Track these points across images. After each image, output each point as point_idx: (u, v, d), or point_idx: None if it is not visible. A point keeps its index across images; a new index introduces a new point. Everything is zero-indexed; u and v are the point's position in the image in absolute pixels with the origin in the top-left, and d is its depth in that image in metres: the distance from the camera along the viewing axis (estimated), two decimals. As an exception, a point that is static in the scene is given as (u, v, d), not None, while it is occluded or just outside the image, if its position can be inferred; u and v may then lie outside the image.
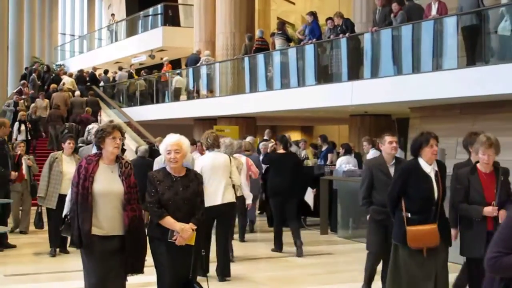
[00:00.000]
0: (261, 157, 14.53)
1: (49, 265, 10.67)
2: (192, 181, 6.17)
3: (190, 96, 26.15)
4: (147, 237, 6.04)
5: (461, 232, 7.02)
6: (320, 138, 19.03)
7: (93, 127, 20.56)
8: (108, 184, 5.81)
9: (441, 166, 6.81)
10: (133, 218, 5.77)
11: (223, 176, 9.50)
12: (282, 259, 11.45)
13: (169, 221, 5.96)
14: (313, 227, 14.93)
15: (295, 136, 29.43)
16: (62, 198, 10.56)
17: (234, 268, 9.88)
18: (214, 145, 9.73)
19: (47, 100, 24.73)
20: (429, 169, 6.65)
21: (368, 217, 8.38)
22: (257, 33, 22.76)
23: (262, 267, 11.00)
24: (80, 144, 18.52)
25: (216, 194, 9.26)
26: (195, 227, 6.04)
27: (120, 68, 33.71)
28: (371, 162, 8.68)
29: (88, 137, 20.04)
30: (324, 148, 18.32)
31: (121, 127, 6.04)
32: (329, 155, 17.64)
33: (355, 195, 14.36)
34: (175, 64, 33.57)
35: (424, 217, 6.58)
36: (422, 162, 6.67)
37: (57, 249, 11.24)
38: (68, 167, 10.90)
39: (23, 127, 21.12)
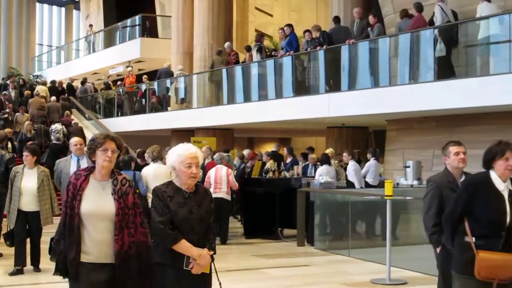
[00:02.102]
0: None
1: (22, 278, 10.41)
2: (204, 197, 5.28)
3: (153, 109, 26.41)
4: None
5: None
6: (286, 150, 19.13)
7: (56, 127, 21.83)
8: (97, 203, 4.97)
9: None
10: (131, 244, 4.92)
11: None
12: (258, 270, 11.41)
13: (185, 246, 5.04)
14: (290, 238, 14.91)
15: (272, 148, 29.45)
16: (21, 214, 10.24)
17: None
18: (158, 157, 11.67)
19: (27, 115, 24.53)
20: (503, 186, 5.45)
21: (438, 249, 6.50)
22: (226, 46, 22.88)
23: (237, 278, 10.94)
24: (55, 142, 20.20)
25: None
26: (212, 253, 5.21)
27: (84, 80, 33.58)
28: (438, 179, 6.68)
29: (53, 138, 21.14)
30: (289, 160, 18.37)
31: (117, 138, 5.18)
32: (295, 167, 17.66)
33: (331, 207, 14.53)
34: (153, 75, 33.54)
35: (491, 244, 5.37)
36: (494, 176, 5.47)
37: (23, 267, 10.53)
38: (28, 181, 10.31)
39: (9, 144, 20.11)
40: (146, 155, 12.58)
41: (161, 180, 11.56)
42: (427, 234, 6.58)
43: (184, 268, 5.07)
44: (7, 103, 26.49)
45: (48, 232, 10.52)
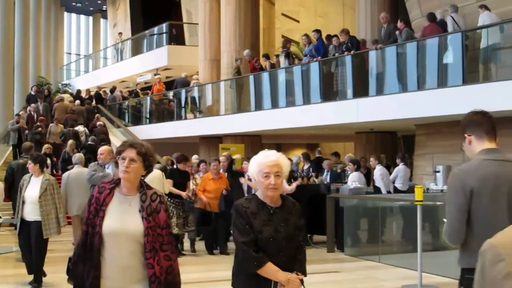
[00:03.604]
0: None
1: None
2: (291, 212, 4.55)
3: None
4: None
5: None
6: (302, 156, 18.83)
7: (78, 129, 24.40)
8: (121, 220, 4.29)
9: None
10: (169, 269, 4.28)
11: (157, 186, 12.12)
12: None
13: (270, 270, 4.35)
14: (320, 245, 14.89)
15: (299, 153, 29.46)
16: (24, 224, 9.89)
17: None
18: None
19: (61, 126, 24.75)
20: None
21: None
22: (245, 54, 23.05)
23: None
24: (90, 143, 21.84)
25: None
26: (302, 277, 4.47)
27: (113, 89, 33.89)
28: None
29: (89, 139, 22.93)
30: (306, 166, 18.15)
31: (139, 144, 4.45)
32: (313, 174, 17.49)
33: (361, 213, 14.49)
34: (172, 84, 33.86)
35: None
36: None
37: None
38: (31, 190, 9.92)
39: (48, 161, 19.93)
40: None
41: (155, 183, 12.63)
42: None
43: None
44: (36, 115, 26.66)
45: (54, 240, 10.60)
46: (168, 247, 4.31)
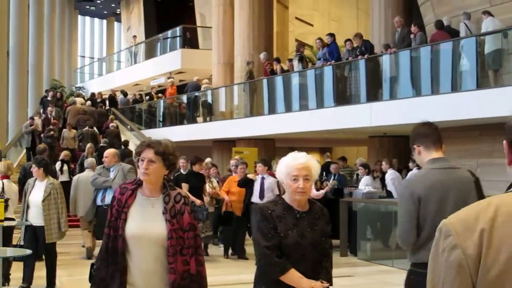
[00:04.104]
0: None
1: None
2: (319, 218, 4.39)
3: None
4: None
5: None
6: None
7: (86, 129, 24.64)
8: (143, 223, 4.11)
9: None
10: (184, 275, 4.07)
11: None
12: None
13: (294, 277, 4.15)
14: (333, 249, 14.82)
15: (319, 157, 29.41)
16: (30, 228, 9.70)
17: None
18: None
19: (74, 131, 24.85)
20: None
21: None
22: (262, 56, 23.08)
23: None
24: (102, 144, 21.77)
25: None
26: (327, 285, 4.30)
27: (125, 94, 34.05)
28: None
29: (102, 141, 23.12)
30: None
31: (157, 144, 4.23)
32: (326, 178, 17.36)
33: (374, 217, 14.45)
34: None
35: None
36: None
37: (29, 285, 9.72)
38: (35, 194, 9.70)
39: (65, 167, 19.22)
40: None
41: None
42: None
43: None
44: (52, 119, 26.78)
45: (68, 243, 10.59)
46: (188, 251, 4.11)
